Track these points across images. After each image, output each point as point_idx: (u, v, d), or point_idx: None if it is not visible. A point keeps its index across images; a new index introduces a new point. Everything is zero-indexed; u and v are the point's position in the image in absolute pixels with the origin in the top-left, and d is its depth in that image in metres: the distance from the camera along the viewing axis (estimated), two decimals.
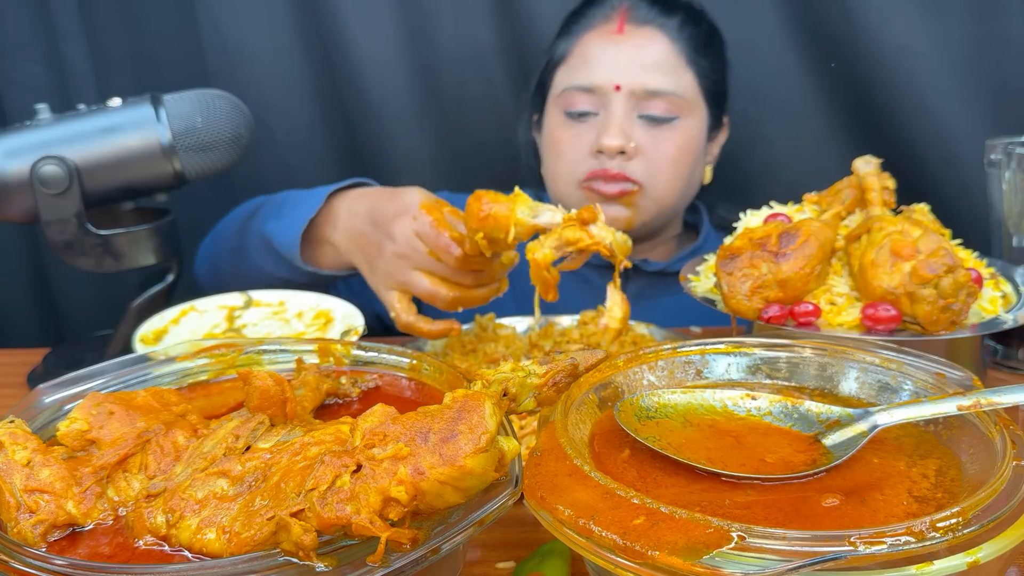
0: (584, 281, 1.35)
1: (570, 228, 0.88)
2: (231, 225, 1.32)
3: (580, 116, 1.28)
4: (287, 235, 1.17)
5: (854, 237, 0.91)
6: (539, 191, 1.42)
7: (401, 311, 1.05)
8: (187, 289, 1.28)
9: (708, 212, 1.46)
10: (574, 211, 0.89)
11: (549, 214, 0.90)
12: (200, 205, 1.51)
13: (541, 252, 0.89)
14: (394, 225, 1.03)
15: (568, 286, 1.32)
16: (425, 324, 1.05)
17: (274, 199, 1.29)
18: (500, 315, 1.16)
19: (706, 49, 1.31)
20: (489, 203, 0.91)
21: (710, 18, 1.34)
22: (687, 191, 1.34)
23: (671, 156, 1.27)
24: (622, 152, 1.24)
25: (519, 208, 0.90)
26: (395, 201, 1.05)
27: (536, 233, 0.91)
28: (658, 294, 1.36)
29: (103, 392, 0.67)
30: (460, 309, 1.04)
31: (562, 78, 1.32)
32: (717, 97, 1.34)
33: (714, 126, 1.36)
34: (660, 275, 1.37)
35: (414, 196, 1.03)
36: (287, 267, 1.20)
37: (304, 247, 1.18)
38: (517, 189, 0.93)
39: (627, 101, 1.25)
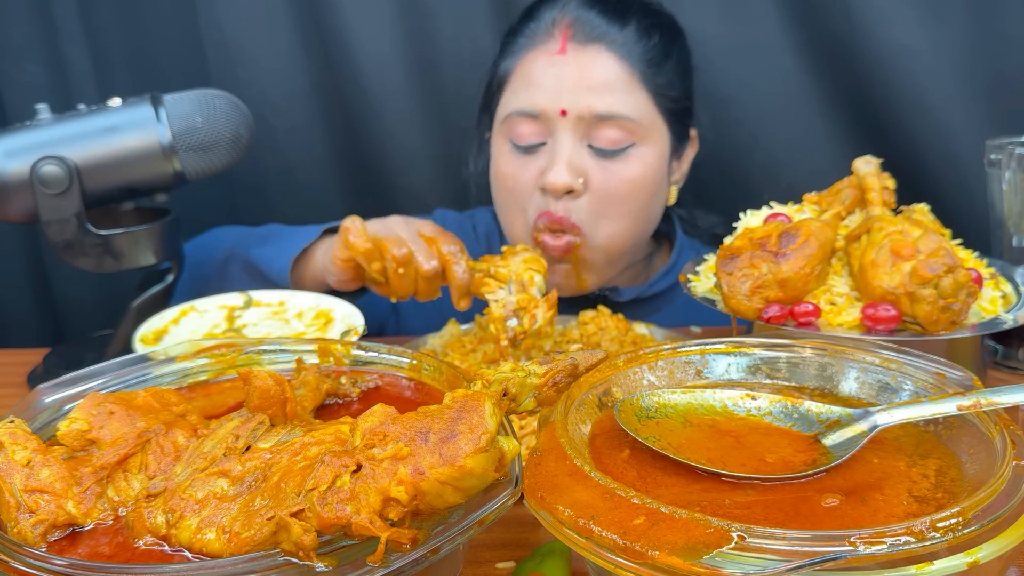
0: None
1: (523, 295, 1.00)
2: (210, 251, 1.32)
3: (528, 149, 1.19)
4: (276, 262, 1.20)
5: (854, 237, 0.91)
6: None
7: (353, 233, 1.03)
8: (187, 289, 1.28)
9: (682, 221, 1.38)
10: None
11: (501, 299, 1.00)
12: (200, 205, 1.51)
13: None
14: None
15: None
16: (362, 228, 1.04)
17: (253, 231, 1.31)
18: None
19: (663, 63, 1.19)
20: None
21: (669, 19, 1.25)
22: (642, 230, 1.24)
23: (621, 193, 1.17)
24: (570, 191, 1.15)
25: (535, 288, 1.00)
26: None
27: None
28: (632, 319, 1.27)
29: (103, 392, 0.67)
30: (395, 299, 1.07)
31: (506, 102, 1.22)
32: (680, 114, 1.23)
33: (678, 145, 1.25)
34: (632, 303, 1.29)
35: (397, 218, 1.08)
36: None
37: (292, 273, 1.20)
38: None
39: (575, 129, 1.15)
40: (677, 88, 1.22)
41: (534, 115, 1.17)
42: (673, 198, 1.29)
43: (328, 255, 1.11)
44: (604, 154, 1.16)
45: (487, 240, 1.43)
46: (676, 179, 1.29)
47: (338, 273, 1.08)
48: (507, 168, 1.21)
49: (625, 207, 1.18)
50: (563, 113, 1.15)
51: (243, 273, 1.24)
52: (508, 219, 1.25)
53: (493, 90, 1.26)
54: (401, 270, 1.01)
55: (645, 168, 1.18)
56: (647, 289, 1.29)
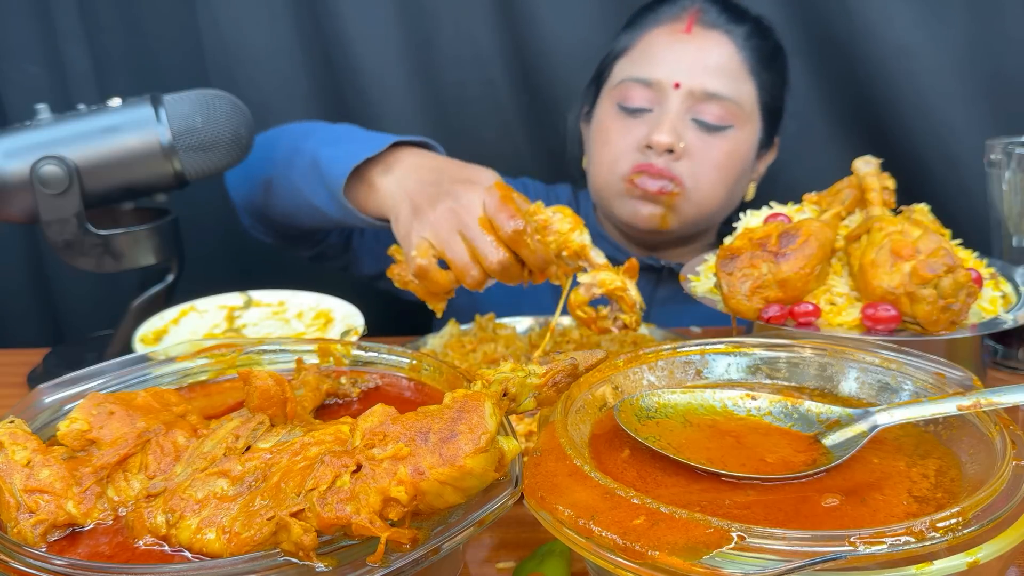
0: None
1: (608, 272, 0.93)
2: (285, 137, 1.27)
3: (634, 112, 1.27)
4: (338, 165, 1.12)
5: (854, 237, 0.91)
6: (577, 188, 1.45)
7: (419, 255, 0.96)
8: (187, 289, 1.28)
9: None
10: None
11: (597, 253, 0.95)
12: (200, 205, 1.51)
13: (577, 295, 0.94)
14: (462, 188, 0.98)
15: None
16: (437, 272, 0.97)
17: (330, 128, 1.26)
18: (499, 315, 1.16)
19: (770, 63, 1.30)
20: (560, 216, 0.95)
21: (777, 37, 1.34)
22: (729, 201, 1.33)
23: (718, 162, 1.27)
24: (670, 151, 1.23)
25: (579, 233, 0.95)
26: (468, 171, 1.03)
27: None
28: (690, 299, 1.31)
29: (103, 392, 0.67)
30: (480, 290, 1.00)
31: (621, 69, 1.31)
32: (773, 113, 1.33)
33: (765, 143, 1.35)
34: None
35: (489, 174, 1.02)
36: (325, 196, 1.14)
37: (349, 182, 1.12)
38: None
39: (684, 101, 1.25)
40: (779, 89, 1.34)
41: (648, 83, 1.27)
42: (751, 194, 1.37)
43: (397, 186, 1.06)
44: (706, 127, 1.25)
45: None
46: (755, 177, 1.38)
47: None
48: (611, 124, 1.30)
49: (719, 176, 1.28)
50: (676, 86, 1.25)
51: (309, 171, 1.18)
52: (597, 168, 1.33)
53: (608, 61, 1.35)
54: (470, 276, 0.95)
55: (737, 147, 1.28)
56: None
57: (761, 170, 1.38)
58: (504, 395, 0.55)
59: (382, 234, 1.33)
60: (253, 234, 1.40)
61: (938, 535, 0.46)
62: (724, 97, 1.25)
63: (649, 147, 1.24)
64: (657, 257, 1.36)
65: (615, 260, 1.32)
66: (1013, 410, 0.60)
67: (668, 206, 1.27)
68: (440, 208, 0.97)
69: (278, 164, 1.24)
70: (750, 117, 1.29)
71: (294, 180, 1.20)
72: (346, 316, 1.04)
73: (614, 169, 1.29)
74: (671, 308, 1.31)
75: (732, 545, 0.46)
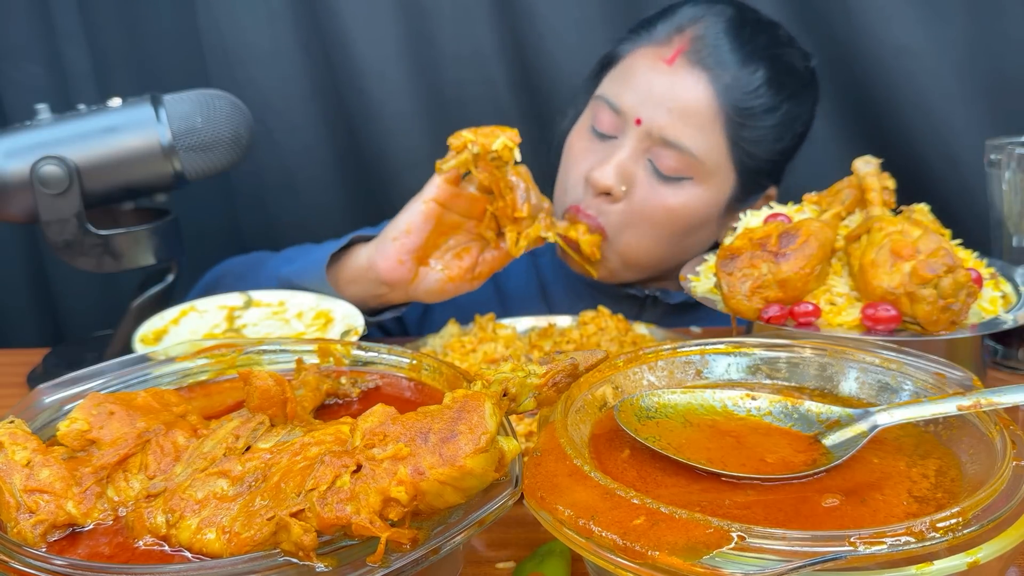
0: (577, 296, 1.34)
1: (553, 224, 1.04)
2: (230, 272, 1.27)
3: (601, 136, 1.20)
4: (311, 270, 1.14)
5: (854, 237, 0.91)
6: None
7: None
8: (187, 289, 1.28)
9: None
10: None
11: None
12: (200, 205, 1.51)
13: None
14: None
15: (561, 299, 1.32)
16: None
17: (268, 255, 1.26)
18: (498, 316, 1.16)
19: (761, 118, 1.16)
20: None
21: (806, 75, 1.21)
22: (669, 254, 1.22)
23: (657, 217, 1.16)
24: (609, 193, 1.16)
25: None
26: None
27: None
28: (676, 324, 1.27)
29: (103, 392, 0.67)
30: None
31: (606, 82, 1.23)
32: (756, 172, 1.20)
33: (746, 196, 1.22)
34: (681, 306, 1.29)
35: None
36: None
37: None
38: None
39: (641, 140, 1.15)
40: (764, 149, 1.19)
41: (616, 109, 1.18)
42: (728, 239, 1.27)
43: (370, 253, 1.09)
44: (658, 176, 1.16)
45: None
46: (734, 225, 1.24)
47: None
48: (578, 143, 1.23)
49: (655, 230, 1.18)
50: (638, 122, 1.15)
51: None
52: (559, 190, 1.26)
53: (603, 64, 1.27)
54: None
55: (693, 204, 1.17)
56: None
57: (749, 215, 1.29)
58: (504, 395, 0.55)
59: None
60: None
61: (938, 535, 0.46)
62: (682, 148, 1.14)
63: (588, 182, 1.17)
64: (641, 287, 1.30)
65: (593, 285, 1.31)
66: (1013, 410, 0.60)
67: None
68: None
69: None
70: (715, 171, 1.16)
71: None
72: (346, 316, 1.04)
73: (562, 199, 1.22)
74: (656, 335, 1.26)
75: (732, 545, 0.46)
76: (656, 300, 1.29)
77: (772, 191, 1.26)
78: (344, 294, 1.13)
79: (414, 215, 1.04)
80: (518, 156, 0.99)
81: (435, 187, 1.04)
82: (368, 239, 1.13)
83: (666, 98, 1.14)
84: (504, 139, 0.97)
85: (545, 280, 1.36)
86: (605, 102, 1.20)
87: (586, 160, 1.20)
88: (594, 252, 1.06)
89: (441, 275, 1.06)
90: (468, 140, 0.97)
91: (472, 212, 1.05)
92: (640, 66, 1.18)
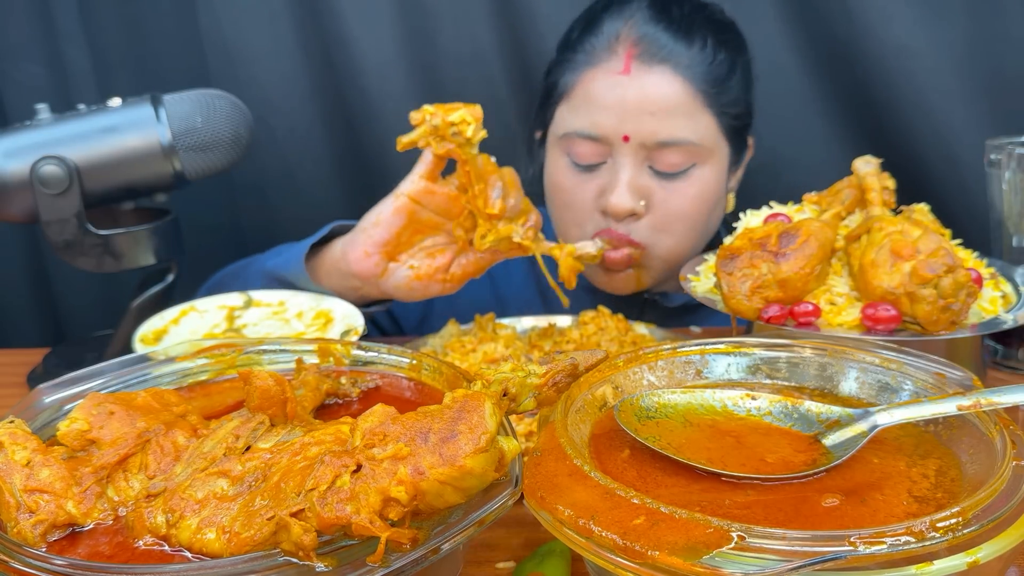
0: (576, 299, 1.34)
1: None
2: (220, 282, 1.27)
3: (587, 167, 1.19)
4: (292, 262, 1.15)
5: (854, 237, 0.91)
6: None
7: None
8: (187, 289, 1.28)
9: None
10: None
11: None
12: (200, 205, 1.51)
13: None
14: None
15: (567, 293, 1.32)
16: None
17: (263, 255, 1.26)
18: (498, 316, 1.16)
19: (727, 80, 1.17)
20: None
21: (734, 29, 1.24)
22: (700, 240, 1.25)
23: (682, 212, 1.18)
24: (632, 214, 1.16)
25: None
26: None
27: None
28: (673, 324, 1.28)
29: (103, 392, 0.67)
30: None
31: (565, 118, 1.20)
32: (740, 129, 1.23)
33: (737, 157, 1.25)
34: (681, 309, 1.30)
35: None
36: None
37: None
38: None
39: (636, 153, 1.15)
40: (740, 104, 1.21)
41: (595, 138, 1.16)
42: (731, 205, 1.30)
43: (344, 246, 1.09)
44: (666, 176, 1.16)
45: None
46: (732, 186, 1.29)
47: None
48: (565, 183, 1.21)
49: (687, 223, 1.19)
50: (626, 139, 1.14)
51: (264, 287, 1.19)
52: (563, 229, 1.25)
53: (551, 102, 1.24)
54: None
55: (705, 186, 1.19)
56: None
57: (739, 175, 1.31)
58: (504, 395, 0.55)
59: None
60: None
61: (938, 535, 0.46)
62: (680, 142, 1.14)
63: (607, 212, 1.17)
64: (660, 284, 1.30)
65: (593, 288, 1.31)
66: (1013, 410, 0.60)
67: (637, 267, 1.21)
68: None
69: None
70: (713, 150, 1.18)
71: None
72: (346, 316, 1.04)
73: (579, 233, 1.21)
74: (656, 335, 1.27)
75: (732, 545, 0.46)
76: (655, 303, 1.29)
77: (751, 140, 1.29)
78: (323, 286, 1.12)
79: (384, 207, 1.03)
80: (483, 134, 0.97)
81: (410, 182, 1.02)
82: (348, 229, 1.12)
83: (643, 104, 1.14)
84: (464, 112, 0.95)
85: (544, 283, 1.35)
86: (578, 136, 1.18)
87: (585, 191, 1.19)
88: (570, 278, 1.03)
89: (409, 272, 1.04)
90: (428, 112, 0.95)
91: (450, 212, 1.03)
92: (598, 88, 1.16)
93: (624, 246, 1.18)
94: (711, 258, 1.01)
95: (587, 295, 1.32)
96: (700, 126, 1.16)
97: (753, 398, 0.66)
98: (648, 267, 1.21)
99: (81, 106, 1.14)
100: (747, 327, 1.00)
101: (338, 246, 1.11)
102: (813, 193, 1.03)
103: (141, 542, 0.54)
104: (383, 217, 1.03)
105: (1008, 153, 1.06)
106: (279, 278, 1.15)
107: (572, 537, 0.51)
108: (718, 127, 1.18)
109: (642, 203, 1.16)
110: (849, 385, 0.69)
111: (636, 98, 1.14)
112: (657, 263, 1.21)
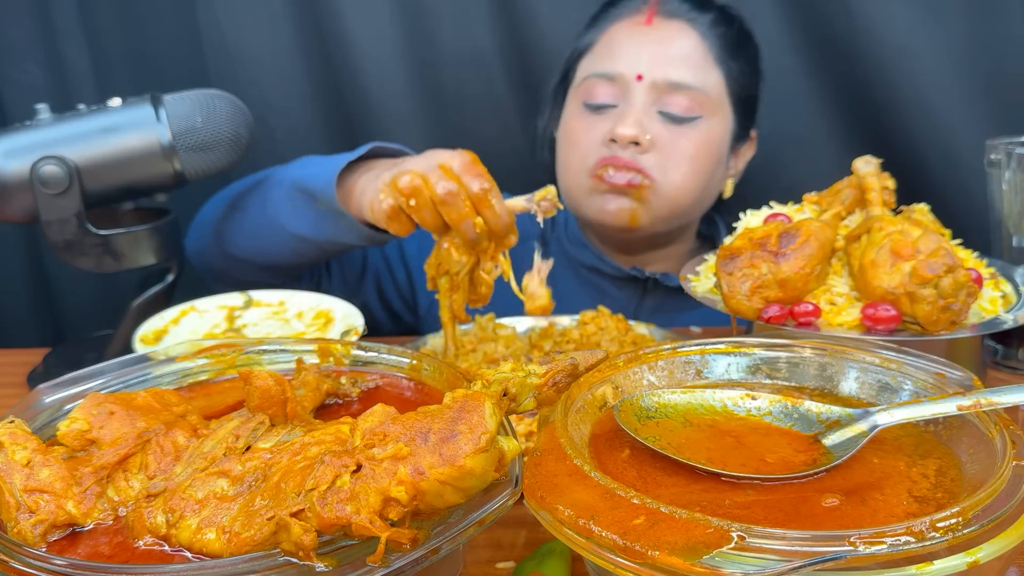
0: (582, 282, 1.35)
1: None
2: (238, 190, 1.27)
3: (599, 108, 1.25)
4: (322, 177, 1.11)
5: (854, 237, 0.91)
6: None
7: (384, 195, 0.96)
8: (187, 289, 1.28)
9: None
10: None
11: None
12: (200, 205, 1.51)
13: None
14: (431, 152, 1.00)
15: (567, 286, 1.32)
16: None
17: (294, 163, 1.24)
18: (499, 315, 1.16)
19: (737, 51, 1.27)
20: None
21: (745, 24, 1.31)
22: (704, 195, 1.29)
23: (688, 153, 1.23)
24: (636, 143, 1.20)
25: None
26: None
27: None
28: (677, 309, 1.33)
29: (103, 392, 0.67)
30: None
31: (585, 67, 1.29)
32: (745, 103, 1.30)
33: (740, 136, 1.31)
34: (680, 290, 1.30)
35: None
36: (310, 218, 1.14)
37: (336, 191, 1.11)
38: None
39: (648, 93, 1.22)
40: (747, 78, 1.29)
41: (611, 77, 1.24)
42: (729, 191, 1.34)
43: (370, 189, 1.04)
44: (674, 119, 1.23)
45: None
46: (732, 173, 1.34)
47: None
48: (575, 124, 1.28)
49: (691, 165, 1.24)
50: (639, 77, 1.22)
51: (287, 198, 1.18)
52: (564, 172, 1.30)
53: (573, 60, 1.32)
54: (412, 201, 0.93)
55: (709, 138, 1.25)
56: None
57: (740, 167, 1.35)
58: (504, 395, 0.55)
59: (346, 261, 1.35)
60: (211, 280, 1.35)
61: (938, 535, 0.46)
62: (689, 87, 1.22)
63: (614, 141, 1.21)
64: (641, 268, 1.33)
65: (597, 270, 1.31)
66: (1013, 410, 0.60)
67: (637, 199, 1.23)
68: (409, 163, 0.99)
69: (244, 207, 1.24)
70: (719, 107, 1.25)
71: (269, 214, 1.19)
72: (346, 316, 1.04)
73: (581, 167, 1.25)
74: (659, 319, 1.28)
75: (732, 545, 0.46)
76: (657, 283, 1.32)
77: (754, 133, 1.35)
78: (349, 209, 1.09)
79: (380, 206, 0.98)
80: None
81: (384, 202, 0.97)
82: (387, 152, 1.13)
83: (659, 50, 1.23)
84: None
85: (545, 284, 1.35)
86: (596, 76, 1.26)
87: (594, 130, 1.24)
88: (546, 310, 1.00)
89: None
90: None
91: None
92: (621, 37, 1.26)
93: (630, 171, 1.21)
94: (711, 258, 1.01)
95: (588, 295, 1.32)
96: (709, 79, 1.24)
97: (753, 398, 0.66)
98: (647, 203, 1.23)
99: (81, 106, 1.14)
100: (747, 327, 1.00)
101: (368, 188, 1.05)
102: (813, 193, 1.03)
103: (141, 542, 0.54)
104: (378, 216, 0.99)
105: (1008, 153, 1.06)
106: (305, 189, 1.14)
107: (572, 537, 0.51)
108: (725, 88, 1.26)
109: (648, 136, 1.21)
110: (849, 385, 0.69)
111: (655, 45, 1.24)
112: (659, 201, 1.24)
